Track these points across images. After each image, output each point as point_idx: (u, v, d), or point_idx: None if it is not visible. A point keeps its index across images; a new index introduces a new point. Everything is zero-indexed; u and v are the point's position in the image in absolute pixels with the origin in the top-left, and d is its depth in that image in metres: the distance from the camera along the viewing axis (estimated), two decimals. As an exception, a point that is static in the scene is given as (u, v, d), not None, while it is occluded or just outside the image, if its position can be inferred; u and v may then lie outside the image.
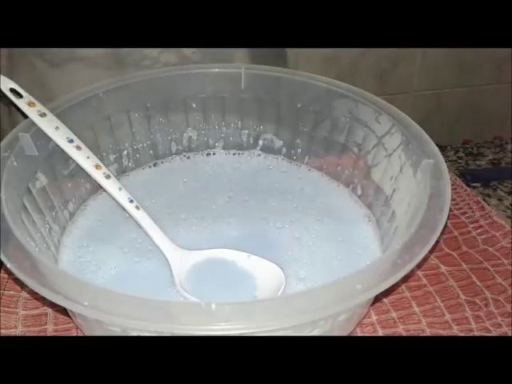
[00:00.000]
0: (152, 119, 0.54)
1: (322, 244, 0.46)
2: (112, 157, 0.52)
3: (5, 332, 0.41)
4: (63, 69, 0.57)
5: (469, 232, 0.51)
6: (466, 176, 1.26)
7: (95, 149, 0.48)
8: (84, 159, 0.45)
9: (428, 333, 0.42)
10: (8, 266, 0.33)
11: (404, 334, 0.42)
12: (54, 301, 0.31)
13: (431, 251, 0.46)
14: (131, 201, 0.45)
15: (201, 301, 0.38)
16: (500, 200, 1.23)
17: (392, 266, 0.34)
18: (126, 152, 0.53)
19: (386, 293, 0.44)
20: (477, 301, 0.44)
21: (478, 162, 1.34)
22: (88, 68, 0.57)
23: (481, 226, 0.51)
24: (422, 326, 0.42)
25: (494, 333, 0.42)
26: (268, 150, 0.56)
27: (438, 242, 0.36)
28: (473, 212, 0.53)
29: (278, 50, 0.66)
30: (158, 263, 0.44)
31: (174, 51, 0.57)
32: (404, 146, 0.45)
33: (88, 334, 0.39)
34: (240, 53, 0.60)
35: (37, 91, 0.48)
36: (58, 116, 0.45)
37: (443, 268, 0.47)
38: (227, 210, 0.50)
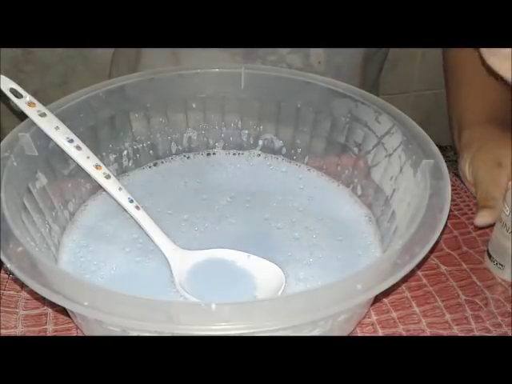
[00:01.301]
0: (152, 119, 0.54)
1: (322, 244, 0.46)
2: (112, 157, 0.52)
3: (5, 332, 0.41)
4: None
5: (469, 232, 0.51)
6: (466, 176, 1.26)
7: (95, 149, 0.47)
8: (84, 159, 0.45)
9: (428, 333, 0.42)
10: (8, 266, 0.33)
11: (404, 334, 0.42)
12: (53, 301, 0.31)
13: (431, 251, 0.46)
14: (131, 201, 0.45)
15: (201, 301, 0.38)
16: (500, 200, 1.22)
17: (392, 266, 0.34)
18: (126, 152, 0.53)
19: (386, 293, 0.44)
20: (477, 301, 0.44)
21: (478, 162, 1.34)
22: (217, 49, 0.59)
23: (481, 227, 0.51)
24: (422, 326, 0.42)
25: (494, 333, 0.42)
26: (268, 150, 0.56)
27: (438, 241, 0.36)
28: (473, 213, 0.53)
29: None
30: (159, 263, 0.44)
31: (301, 55, 0.58)
32: (404, 145, 0.45)
33: (88, 334, 0.39)
34: None
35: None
36: (58, 116, 0.45)
37: (443, 268, 0.47)
38: (229, 210, 0.50)
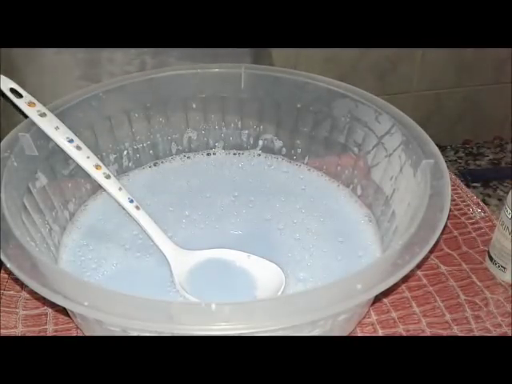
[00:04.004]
0: (152, 119, 0.54)
1: (322, 244, 0.46)
2: (112, 157, 0.52)
3: (5, 332, 0.41)
4: None
5: (469, 232, 0.51)
6: (466, 176, 1.26)
7: (95, 149, 0.48)
8: (84, 159, 0.45)
9: (428, 333, 0.42)
10: (8, 265, 0.33)
11: (404, 334, 0.42)
12: (53, 301, 0.31)
13: (431, 251, 0.46)
14: (131, 201, 0.45)
15: (201, 301, 0.38)
16: (500, 200, 1.22)
17: (392, 266, 0.34)
18: (126, 152, 0.53)
19: (386, 293, 0.44)
20: (477, 301, 0.44)
21: (477, 162, 1.34)
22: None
23: (481, 228, 0.51)
24: (422, 326, 0.42)
25: (494, 333, 0.42)
26: (268, 150, 0.56)
27: (438, 241, 0.36)
28: (473, 213, 0.53)
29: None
30: (159, 258, 0.44)
31: None
32: (404, 145, 0.45)
33: (88, 334, 0.39)
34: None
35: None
36: (58, 116, 0.45)
37: (443, 268, 0.47)
38: (231, 209, 0.50)
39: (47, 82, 0.56)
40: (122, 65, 0.56)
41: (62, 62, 0.56)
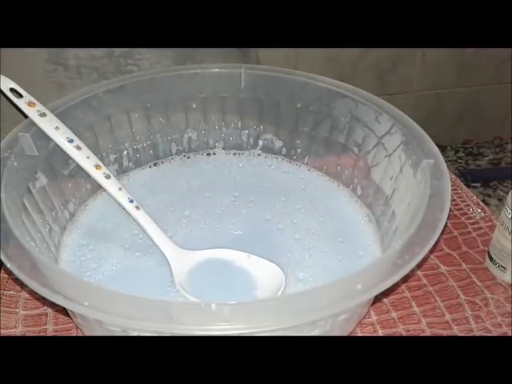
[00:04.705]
0: (152, 119, 0.54)
1: (322, 245, 0.46)
2: (112, 157, 0.52)
3: (5, 332, 0.41)
4: None
5: (469, 232, 0.51)
6: (466, 176, 1.26)
7: (95, 149, 0.48)
8: (84, 159, 0.45)
9: (428, 333, 0.42)
10: (8, 265, 0.33)
11: (404, 334, 0.42)
12: (53, 301, 0.31)
13: (431, 251, 0.46)
14: (131, 201, 0.45)
15: (201, 301, 0.38)
16: (500, 200, 1.22)
17: (392, 266, 0.34)
18: (126, 152, 0.53)
19: (386, 293, 0.44)
20: (477, 301, 0.44)
21: (477, 162, 1.34)
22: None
23: (481, 228, 0.51)
24: (422, 326, 0.42)
25: (494, 333, 0.42)
26: (268, 150, 0.56)
27: (438, 241, 0.36)
28: (473, 213, 0.53)
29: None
30: (159, 258, 0.44)
31: None
32: (404, 145, 0.45)
33: (88, 334, 0.39)
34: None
35: None
36: (58, 116, 0.45)
37: (443, 268, 0.47)
38: (232, 209, 0.50)
39: (16, 65, 0.54)
40: (89, 49, 0.55)
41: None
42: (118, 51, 0.55)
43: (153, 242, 0.44)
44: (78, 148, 0.45)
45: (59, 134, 0.45)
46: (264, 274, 0.42)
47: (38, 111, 0.45)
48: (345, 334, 0.40)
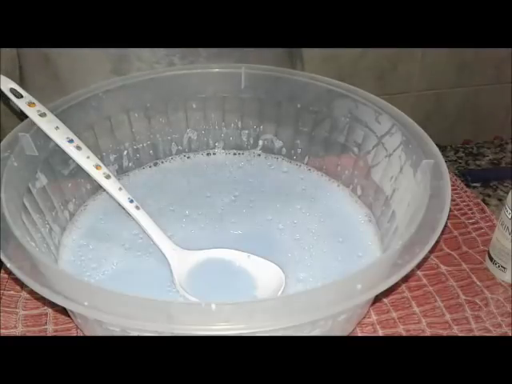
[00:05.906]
0: (152, 119, 0.54)
1: (322, 245, 0.46)
2: (112, 157, 0.52)
3: (5, 332, 0.41)
4: None
5: (469, 232, 0.51)
6: (466, 176, 1.26)
7: (95, 149, 0.48)
8: (84, 159, 0.45)
9: (428, 333, 0.42)
10: (8, 265, 0.33)
11: (404, 334, 0.42)
12: (53, 301, 0.31)
13: (431, 251, 0.46)
14: (131, 201, 0.45)
15: (201, 301, 0.38)
16: (500, 200, 1.22)
17: (392, 266, 0.34)
18: (126, 152, 0.53)
19: (386, 293, 0.44)
20: (477, 301, 0.44)
21: (478, 162, 1.34)
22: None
23: (481, 228, 0.51)
24: (422, 326, 0.42)
25: (494, 333, 0.42)
26: (268, 150, 0.56)
27: (438, 242, 0.36)
28: (473, 213, 0.53)
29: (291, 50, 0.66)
30: (159, 258, 0.44)
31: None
32: (404, 145, 0.45)
33: (88, 334, 0.39)
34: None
35: None
36: (58, 116, 0.45)
37: (443, 268, 0.47)
38: (232, 209, 0.50)
39: (79, 74, 0.57)
40: (151, 63, 0.57)
41: (93, 56, 0.56)
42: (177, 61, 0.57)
43: (153, 241, 0.44)
44: (78, 148, 0.45)
45: (59, 134, 0.45)
46: (264, 274, 0.42)
47: (38, 111, 0.45)
48: (345, 334, 0.40)
